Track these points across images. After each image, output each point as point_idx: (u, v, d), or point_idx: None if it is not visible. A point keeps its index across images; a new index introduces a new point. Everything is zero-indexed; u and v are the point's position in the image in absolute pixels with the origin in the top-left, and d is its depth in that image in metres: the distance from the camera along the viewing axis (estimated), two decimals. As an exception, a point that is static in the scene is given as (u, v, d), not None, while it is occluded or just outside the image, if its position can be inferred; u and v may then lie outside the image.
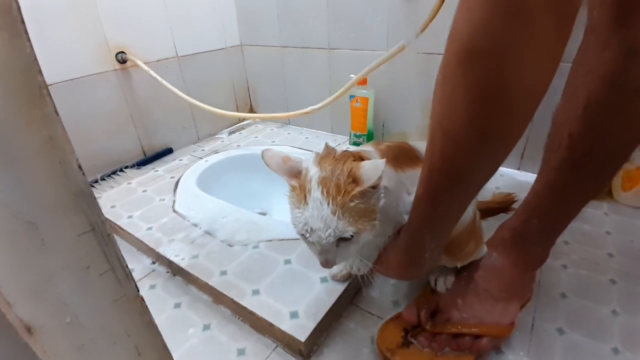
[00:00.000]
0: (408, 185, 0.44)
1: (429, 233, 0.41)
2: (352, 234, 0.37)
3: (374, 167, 0.36)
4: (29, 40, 0.16)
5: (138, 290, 0.25)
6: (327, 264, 0.40)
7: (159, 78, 0.95)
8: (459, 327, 0.50)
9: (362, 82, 0.98)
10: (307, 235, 0.38)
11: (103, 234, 0.21)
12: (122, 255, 0.23)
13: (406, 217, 0.43)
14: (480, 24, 0.26)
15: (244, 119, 1.31)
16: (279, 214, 0.94)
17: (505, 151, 0.34)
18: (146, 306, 0.25)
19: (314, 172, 0.38)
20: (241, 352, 0.52)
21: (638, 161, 0.79)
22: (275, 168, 0.40)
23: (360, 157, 0.41)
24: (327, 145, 0.43)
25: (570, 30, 0.27)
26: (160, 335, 0.28)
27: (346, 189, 0.37)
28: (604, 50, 0.39)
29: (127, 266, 0.23)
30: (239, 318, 0.56)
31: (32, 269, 0.21)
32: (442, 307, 0.52)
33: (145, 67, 0.93)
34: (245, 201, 0.90)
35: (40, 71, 0.16)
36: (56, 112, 0.17)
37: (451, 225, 0.41)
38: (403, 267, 0.46)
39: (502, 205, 0.72)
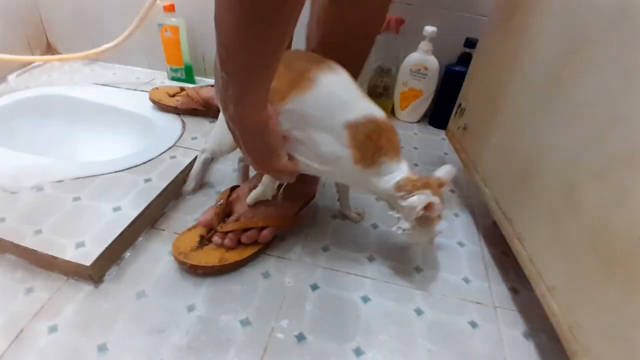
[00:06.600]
0: None
1: None
2: None
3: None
4: None
5: None
6: None
7: None
8: (247, 223, 0.57)
9: (170, 8, 0.92)
10: None
11: None
12: None
13: None
14: None
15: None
16: (86, 156, 0.86)
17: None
18: None
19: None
20: (29, 290, 0.50)
21: (409, 85, 0.99)
22: None
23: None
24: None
25: None
26: None
27: None
28: None
29: None
30: (25, 261, 0.53)
31: None
32: (234, 210, 0.59)
33: None
34: (45, 148, 0.80)
35: None
36: None
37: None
38: None
39: None
